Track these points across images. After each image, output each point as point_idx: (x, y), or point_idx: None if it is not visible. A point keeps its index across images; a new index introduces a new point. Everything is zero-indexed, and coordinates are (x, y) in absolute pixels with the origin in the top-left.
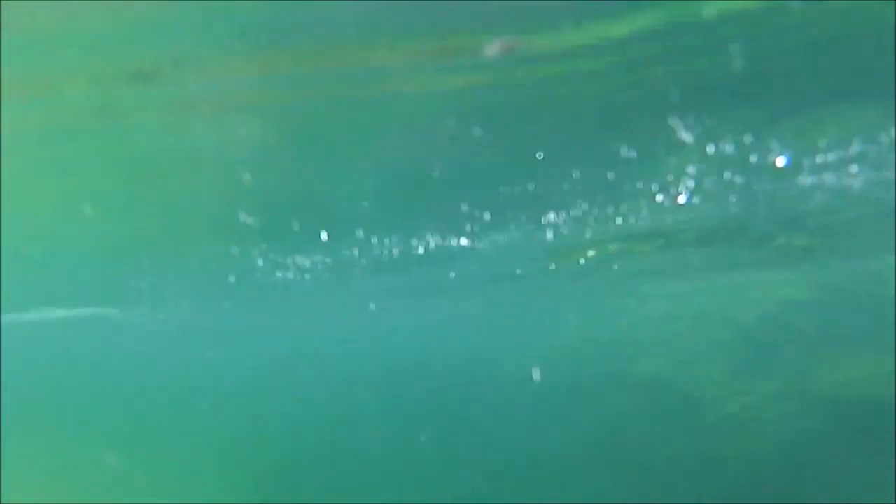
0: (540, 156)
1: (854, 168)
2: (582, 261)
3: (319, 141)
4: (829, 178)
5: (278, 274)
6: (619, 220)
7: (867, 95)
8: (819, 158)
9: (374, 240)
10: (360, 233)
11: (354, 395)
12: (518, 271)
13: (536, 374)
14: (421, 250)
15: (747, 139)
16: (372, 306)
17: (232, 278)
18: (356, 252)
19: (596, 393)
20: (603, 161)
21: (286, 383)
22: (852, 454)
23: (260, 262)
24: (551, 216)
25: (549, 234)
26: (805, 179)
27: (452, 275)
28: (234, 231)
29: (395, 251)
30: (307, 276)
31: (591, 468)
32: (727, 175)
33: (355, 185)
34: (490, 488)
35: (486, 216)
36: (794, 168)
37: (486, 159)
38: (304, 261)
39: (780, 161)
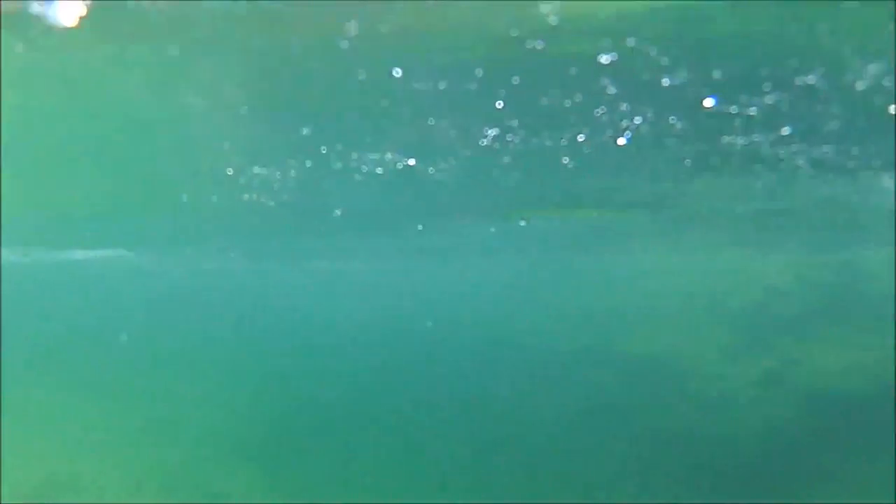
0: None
1: (851, 160)
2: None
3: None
4: (823, 168)
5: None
6: (610, 190)
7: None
8: (814, 148)
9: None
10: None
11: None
12: (505, 240)
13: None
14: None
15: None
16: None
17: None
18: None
19: (580, 365)
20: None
21: (293, 325)
22: (828, 443)
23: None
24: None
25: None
26: (798, 168)
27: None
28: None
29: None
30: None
31: (570, 437)
32: (718, 156)
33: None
34: (471, 457)
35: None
36: (787, 155)
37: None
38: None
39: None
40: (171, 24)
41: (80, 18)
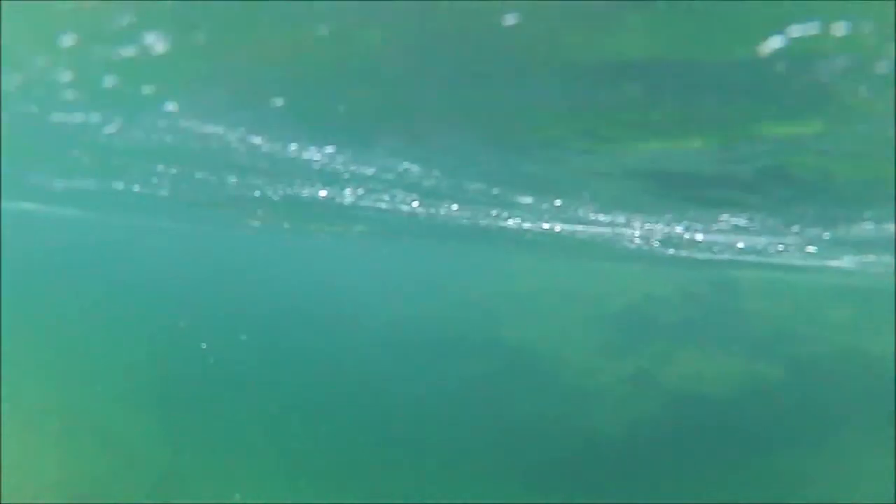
0: None
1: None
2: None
3: None
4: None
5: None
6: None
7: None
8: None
9: None
10: None
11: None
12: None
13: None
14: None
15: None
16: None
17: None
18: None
19: (459, 354)
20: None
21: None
22: (688, 444)
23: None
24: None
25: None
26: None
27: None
28: None
29: None
30: None
31: (443, 425)
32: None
33: None
34: (347, 442)
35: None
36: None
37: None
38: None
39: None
40: None
41: None
